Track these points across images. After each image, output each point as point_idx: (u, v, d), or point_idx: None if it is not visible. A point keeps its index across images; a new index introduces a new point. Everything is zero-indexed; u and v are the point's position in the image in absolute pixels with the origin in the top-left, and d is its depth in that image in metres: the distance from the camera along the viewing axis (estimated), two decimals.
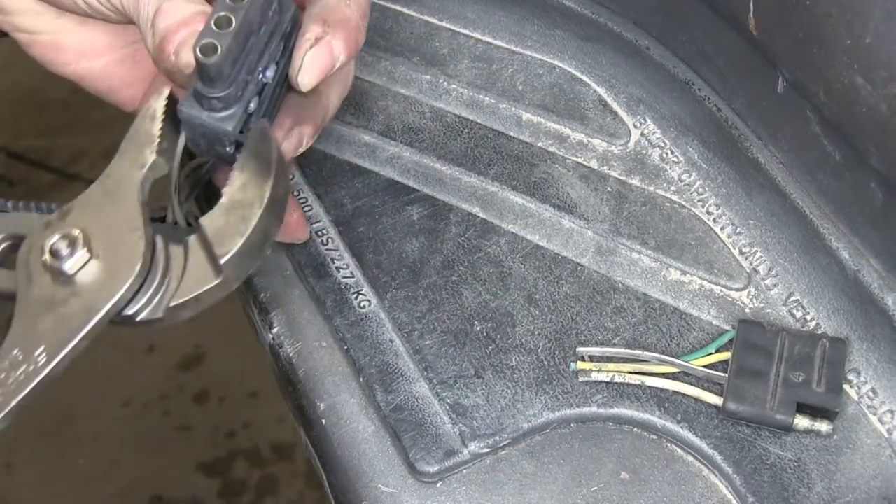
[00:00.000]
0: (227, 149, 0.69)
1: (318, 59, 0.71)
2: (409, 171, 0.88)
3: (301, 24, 0.71)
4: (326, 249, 0.83)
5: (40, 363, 0.65)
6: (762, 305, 0.80)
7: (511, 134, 0.90)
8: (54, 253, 0.66)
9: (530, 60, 0.93)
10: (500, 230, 0.84)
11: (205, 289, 0.67)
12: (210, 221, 0.67)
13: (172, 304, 0.67)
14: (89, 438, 2.14)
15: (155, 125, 0.70)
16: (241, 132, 0.69)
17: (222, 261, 0.66)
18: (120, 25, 0.81)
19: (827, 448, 0.74)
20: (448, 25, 0.96)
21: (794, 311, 0.79)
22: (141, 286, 0.66)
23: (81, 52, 0.85)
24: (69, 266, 0.66)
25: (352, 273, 0.83)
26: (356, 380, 0.78)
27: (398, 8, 0.97)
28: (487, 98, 0.92)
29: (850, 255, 0.79)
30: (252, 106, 0.69)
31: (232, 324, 2.19)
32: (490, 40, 0.95)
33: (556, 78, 0.92)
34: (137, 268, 0.66)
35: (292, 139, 0.75)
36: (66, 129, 2.39)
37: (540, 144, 0.89)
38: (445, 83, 0.93)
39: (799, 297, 0.80)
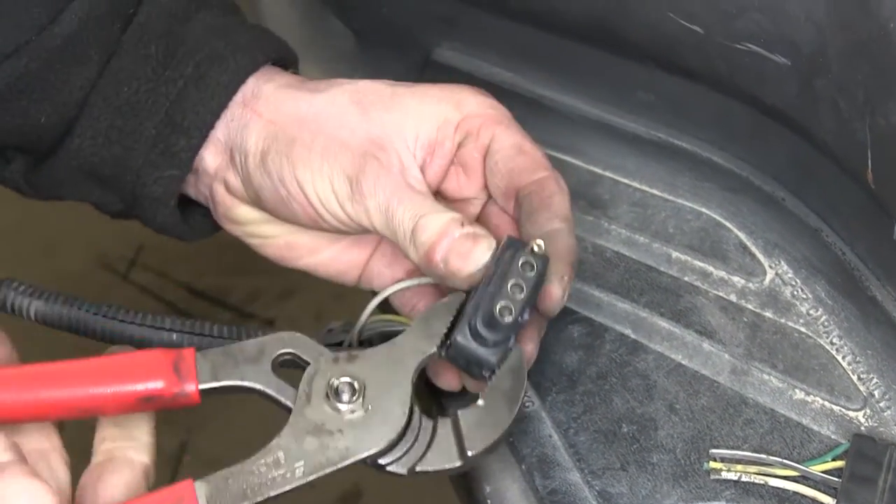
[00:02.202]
0: (484, 373, 0.83)
1: (565, 293, 0.85)
2: (571, 297, 0.95)
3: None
4: None
5: (297, 475, 0.77)
6: (876, 424, 0.89)
7: (661, 269, 0.99)
8: (337, 391, 0.80)
9: (681, 207, 1.02)
10: (648, 349, 0.94)
11: (446, 467, 0.81)
12: (465, 417, 0.81)
13: (417, 469, 0.81)
14: None
15: (444, 324, 0.84)
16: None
17: (469, 454, 0.80)
18: None
19: None
20: (610, 175, 1.06)
21: None
22: (394, 446, 0.80)
23: (311, 248, 0.92)
24: (345, 409, 0.80)
25: None
26: (518, 467, 0.89)
27: (567, 158, 1.07)
28: (642, 238, 1.01)
29: None
30: (511, 343, 0.83)
31: None
32: (646, 189, 1.04)
33: (702, 223, 1.01)
34: (394, 436, 0.79)
35: (530, 347, 0.87)
36: (243, 269, 2.43)
37: (686, 279, 0.98)
38: (606, 224, 1.02)
39: None
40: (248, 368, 0.81)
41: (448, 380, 0.89)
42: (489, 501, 0.89)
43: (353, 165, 0.85)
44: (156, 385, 0.79)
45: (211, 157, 0.90)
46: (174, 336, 0.84)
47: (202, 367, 0.80)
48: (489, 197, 0.93)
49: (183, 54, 0.88)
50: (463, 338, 0.82)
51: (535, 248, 0.83)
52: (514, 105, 1.04)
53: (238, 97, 0.88)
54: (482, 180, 0.93)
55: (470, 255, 0.83)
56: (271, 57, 0.91)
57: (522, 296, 0.81)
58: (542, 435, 0.91)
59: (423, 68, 1.16)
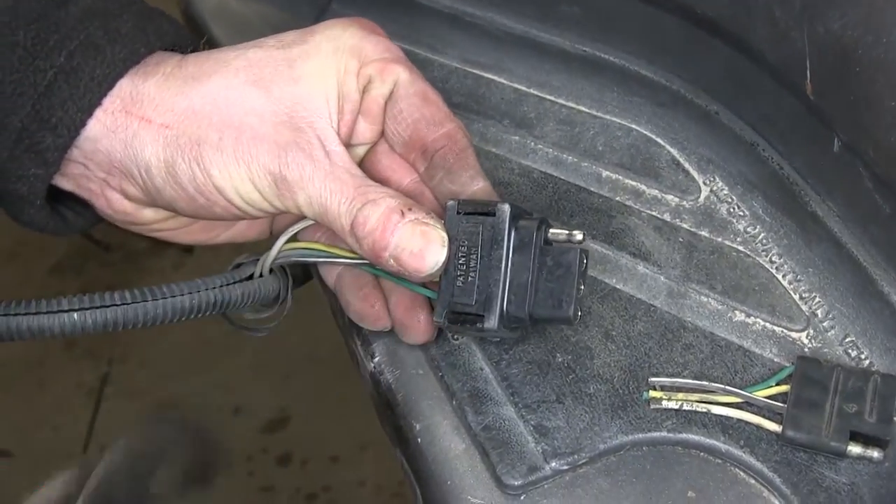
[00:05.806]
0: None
1: None
2: None
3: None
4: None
5: None
6: (820, 345, 0.86)
7: (592, 189, 0.96)
8: None
9: (609, 124, 1.00)
10: None
11: None
12: None
13: None
14: None
15: None
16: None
17: None
18: None
19: (878, 474, 0.79)
20: (535, 92, 1.03)
21: (850, 351, 0.85)
22: None
23: (226, 225, 0.90)
24: None
25: None
26: (449, 403, 0.85)
27: (490, 76, 1.04)
28: (570, 157, 0.98)
29: None
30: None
31: (317, 389, 2.26)
32: (573, 105, 1.01)
33: (633, 140, 0.98)
34: None
35: None
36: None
37: (618, 199, 0.95)
38: (532, 143, 0.99)
39: (854, 338, 0.86)
40: None
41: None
42: (419, 440, 0.84)
43: (272, 159, 0.80)
44: None
45: (96, 166, 0.83)
46: (75, 315, 0.76)
47: None
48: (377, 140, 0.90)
49: (55, 42, 0.80)
50: (491, 324, 0.81)
51: (580, 237, 0.81)
52: (433, 22, 1.00)
53: (117, 104, 0.81)
54: (381, 126, 0.88)
55: (424, 255, 0.79)
56: (156, 47, 0.83)
57: (579, 292, 0.80)
58: (472, 368, 0.87)
59: None
